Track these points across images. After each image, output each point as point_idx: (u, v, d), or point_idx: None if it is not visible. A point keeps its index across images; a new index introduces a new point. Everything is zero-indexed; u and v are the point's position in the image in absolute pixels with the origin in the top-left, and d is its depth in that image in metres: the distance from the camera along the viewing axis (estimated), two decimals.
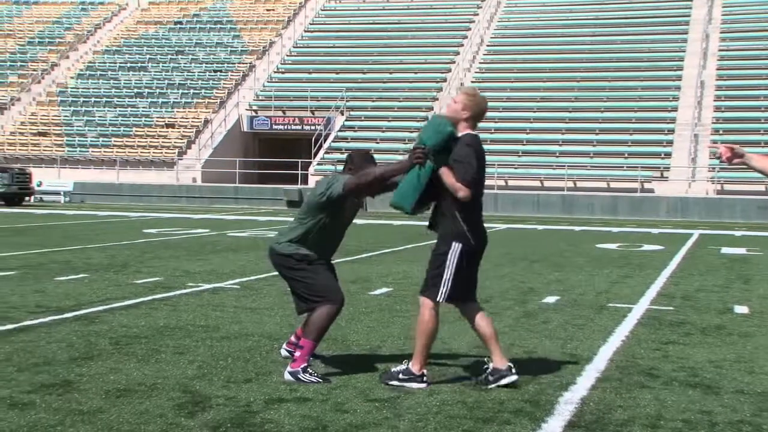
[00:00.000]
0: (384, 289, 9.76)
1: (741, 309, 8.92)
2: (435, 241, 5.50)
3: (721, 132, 33.17)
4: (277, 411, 4.79)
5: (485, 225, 5.56)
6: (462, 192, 5.26)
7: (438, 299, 5.41)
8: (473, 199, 5.33)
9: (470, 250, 5.39)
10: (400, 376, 5.38)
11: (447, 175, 5.29)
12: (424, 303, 5.44)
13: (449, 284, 5.37)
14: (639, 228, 23.15)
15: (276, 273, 6.08)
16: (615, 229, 22.26)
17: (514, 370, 5.38)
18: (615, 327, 7.65)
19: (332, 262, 5.91)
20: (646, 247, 16.61)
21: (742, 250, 16.24)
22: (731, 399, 5.27)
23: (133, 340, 6.65)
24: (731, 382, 5.69)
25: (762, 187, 30.43)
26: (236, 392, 5.16)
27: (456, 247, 5.37)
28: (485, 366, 5.49)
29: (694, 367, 6.10)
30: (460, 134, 5.41)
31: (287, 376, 5.46)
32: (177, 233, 18.10)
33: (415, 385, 5.33)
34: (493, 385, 5.33)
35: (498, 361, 5.40)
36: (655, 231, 21.88)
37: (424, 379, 5.38)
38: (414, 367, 5.38)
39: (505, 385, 5.32)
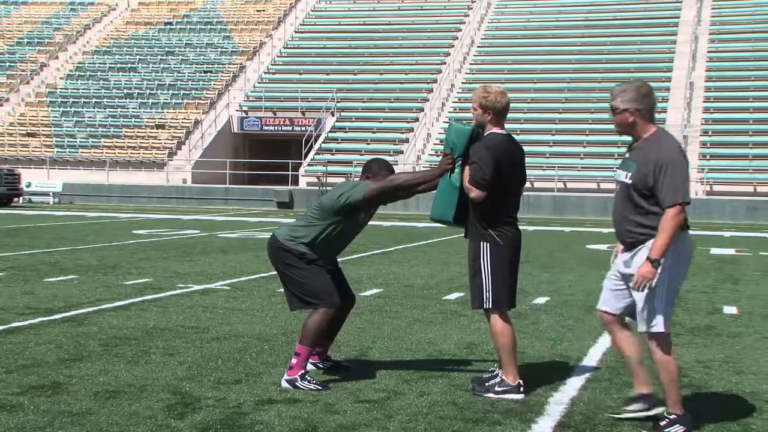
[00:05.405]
0: (374, 290, 9.75)
1: (730, 309, 8.95)
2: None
3: (710, 133, 33.31)
4: (267, 412, 4.78)
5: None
6: (472, 193, 5.12)
7: (485, 306, 5.23)
8: (493, 199, 5.13)
9: (500, 250, 5.19)
10: (497, 388, 5.18)
11: (465, 177, 5.19)
12: (487, 316, 5.29)
13: (491, 288, 5.19)
14: None
15: (266, 274, 6.05)
16: (605, 230, 22.28)
17: (522, 389, 5.20)
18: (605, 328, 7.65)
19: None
20: None
21: (731, 251, 16.30)
22: (720, 399, 5.29)
23: (122, 341, 6.63)
24: (720, 382, 5.71)
25: (750, 188, 30.57)
26: (226, 393, 5.15)
27: (485, 249, 5.20)
28: (493, 372, 5.36)
29: (683, 368, 6.10)
30: (486, 134, 5.26)
31: (284, 384, 5.30)
32: (167, 234, 18.06)
33: (513, 396, 5.14)
34: (494, 396, 5.16)
35: (510, 376, 5.20)
36: None
37: (521, 389, 5.18)
38: (509, 377, 5.19)
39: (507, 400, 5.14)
